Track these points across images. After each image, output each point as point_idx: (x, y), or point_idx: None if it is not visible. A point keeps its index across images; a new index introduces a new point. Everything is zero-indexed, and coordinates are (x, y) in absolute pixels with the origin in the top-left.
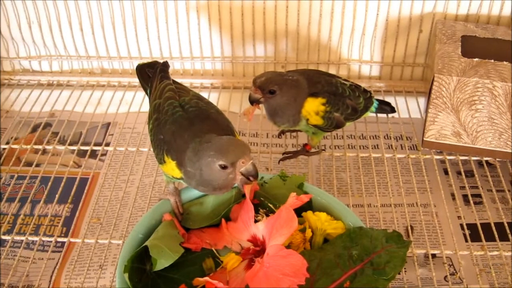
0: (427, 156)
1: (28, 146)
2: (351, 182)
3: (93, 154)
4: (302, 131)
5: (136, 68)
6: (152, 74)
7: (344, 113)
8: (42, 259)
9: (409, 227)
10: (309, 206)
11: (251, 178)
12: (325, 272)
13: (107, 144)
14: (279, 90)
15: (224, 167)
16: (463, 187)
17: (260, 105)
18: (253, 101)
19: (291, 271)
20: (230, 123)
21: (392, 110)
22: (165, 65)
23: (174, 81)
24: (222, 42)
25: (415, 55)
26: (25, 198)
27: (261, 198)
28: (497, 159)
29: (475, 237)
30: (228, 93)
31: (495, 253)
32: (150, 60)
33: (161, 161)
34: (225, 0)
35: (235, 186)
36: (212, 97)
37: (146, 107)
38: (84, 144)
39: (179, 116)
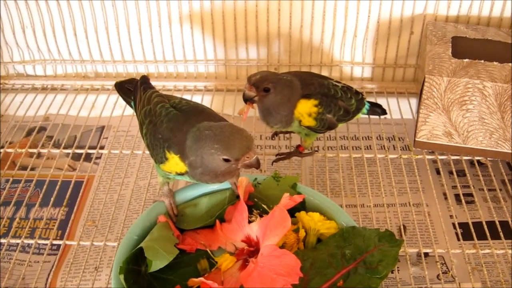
0: (419, 156)
1: (23, 150)
2: (344, 182)
3: (88, 157)
4: (295, 132)
5: (115, 86)
6: (133, 88)
7: (336, 115)
8: (38, 262)
9: (402, 227)
10: (302, 206)
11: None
12: (318, 271)
13: (102, 147)
14: (273, 88)
15: (227, 160)
16: (455, 187)
17: (254, 107)
18: (247, 99)
19: (285, 271)
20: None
21: (383, 112)
22: (145, 77)
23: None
24: (215, 44)
25: (406, 56)
26: (20, 201)
27: (255, 199)
28: (488, 159)
29: (467, 236)
30: (221, 95)
31: (487, 251)
32: (141, 62)
33: (163, 160)
34: (217, 0)
35: (229, 188)
36: (206, 100)
37: None
38: (78, 147)
39: (174, 115)
